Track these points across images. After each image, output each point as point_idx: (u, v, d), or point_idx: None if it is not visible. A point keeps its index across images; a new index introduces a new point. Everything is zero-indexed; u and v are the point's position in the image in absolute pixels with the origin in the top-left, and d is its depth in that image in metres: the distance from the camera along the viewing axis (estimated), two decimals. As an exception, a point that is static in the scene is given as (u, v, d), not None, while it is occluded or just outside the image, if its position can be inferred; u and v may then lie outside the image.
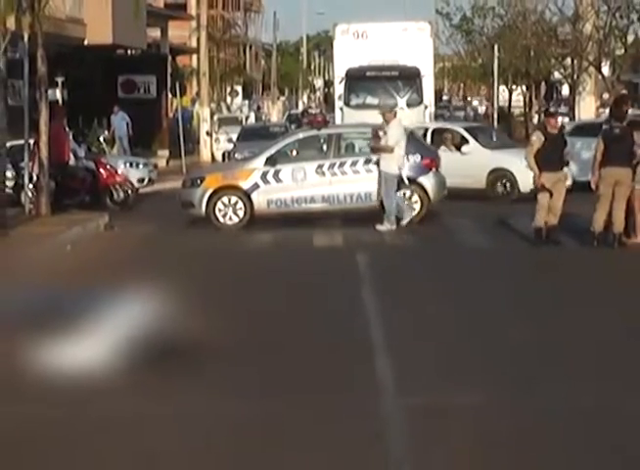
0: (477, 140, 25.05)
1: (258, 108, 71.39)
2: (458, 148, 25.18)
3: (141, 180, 27.85)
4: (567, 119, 51.37)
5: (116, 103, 36.94)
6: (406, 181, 20.29)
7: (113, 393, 8.83)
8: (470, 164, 23.28)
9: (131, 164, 27.72)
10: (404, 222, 20.10)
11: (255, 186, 20.83)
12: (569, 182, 19.14)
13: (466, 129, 26.57)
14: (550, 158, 17.50)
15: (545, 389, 8.91)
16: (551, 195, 17.49)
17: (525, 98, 57.81)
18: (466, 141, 25.27)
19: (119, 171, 26.03)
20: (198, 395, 8.84)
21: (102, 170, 24.52)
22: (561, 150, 17.72)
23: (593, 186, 17.28)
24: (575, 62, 45.60)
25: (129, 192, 24.82)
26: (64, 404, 8.55)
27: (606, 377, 9.28)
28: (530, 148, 17.88)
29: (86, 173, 24.47)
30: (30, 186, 22.23)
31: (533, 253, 17.14)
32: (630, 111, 37.17)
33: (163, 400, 8.69)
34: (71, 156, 24.74)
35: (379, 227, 19.97)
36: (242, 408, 8.51)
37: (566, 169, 18.38)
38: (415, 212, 20.54)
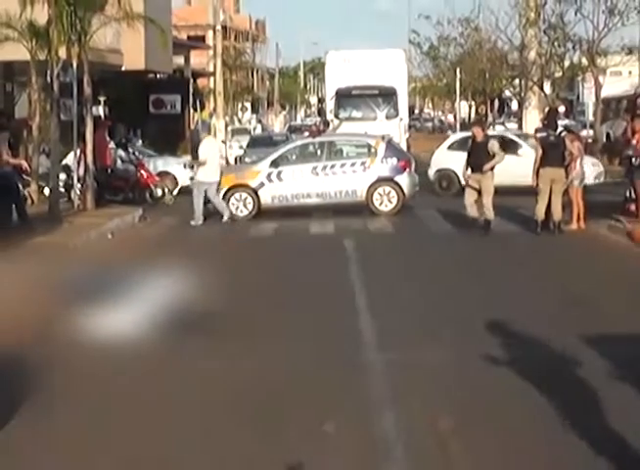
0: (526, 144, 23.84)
1: (259, 120, 71.16)
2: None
3: (192, 179, 27.92)
4: (501, 128, 51.28)
5: (148, 117, 37.11)
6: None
7: (146, 351, 8.94)
8: (524, 165, 21.32)
9: (185, 166, 27.65)
10: (225, 219, 20.22)
11: (262, 184, 20.86)
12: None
13: (517, 136, 25.72)
14: (475, 161, 17.41)
15: (496, 345, 8.97)
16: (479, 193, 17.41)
17: (480, 112, 57.88)
18: (519, 145, 24.17)
19: (176, 172, 26.24)
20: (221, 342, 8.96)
21: (142, 172, 24.60)
22: (485, 154, 17.32)
23: (533, 184, 17.29)
24: (522, 82, 45.60)
25: (165, 189, 24.88)
26: (115, 359, 8.66)
27: (542, 337, 9.35)
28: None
29: (129, 175, 24.59)
30: (78, 185, 22.35)
31: (485, 237, 17.12)
32: (567, 121, 37.12)
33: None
34: (119, 160, 24.99)
35: (224, 220, 20.17)
36: (256, 355, 8.65)
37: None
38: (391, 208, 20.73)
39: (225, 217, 20.21)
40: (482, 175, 17.39)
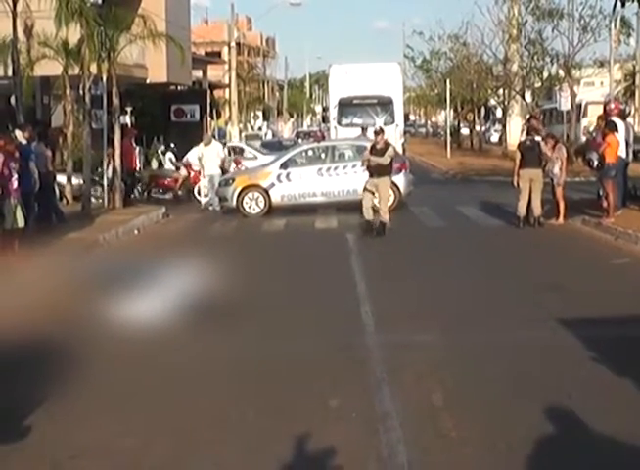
0: None
1: (269, 127, 71.10)
2: None
3: None
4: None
5: (170, 125, 37.26)
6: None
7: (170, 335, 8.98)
8: None
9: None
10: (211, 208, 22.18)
11: (272, 185, 20.89)
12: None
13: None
14: (373, 168, 17.00)
15: (477, 330, 9.02)
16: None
17: (467, 119, 57.81)
18: None
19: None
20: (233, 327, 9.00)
21: (190, 172, 24.77)
22: (381, 161, 16.85)
23: (515, 184, 17.28)
24: (506, 92, 45.65)
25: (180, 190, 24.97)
26: (142, 343, 8.71)
27: (519, 320, 9.39)
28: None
29: (177, 175, 25.00)
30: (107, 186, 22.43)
31: (476, 230, 17.16)
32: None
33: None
34: (169, 163, 25.34)
35: (211, 208, 22.18)
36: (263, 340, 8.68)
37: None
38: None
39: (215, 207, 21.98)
40: (379, 180, 16.98)
